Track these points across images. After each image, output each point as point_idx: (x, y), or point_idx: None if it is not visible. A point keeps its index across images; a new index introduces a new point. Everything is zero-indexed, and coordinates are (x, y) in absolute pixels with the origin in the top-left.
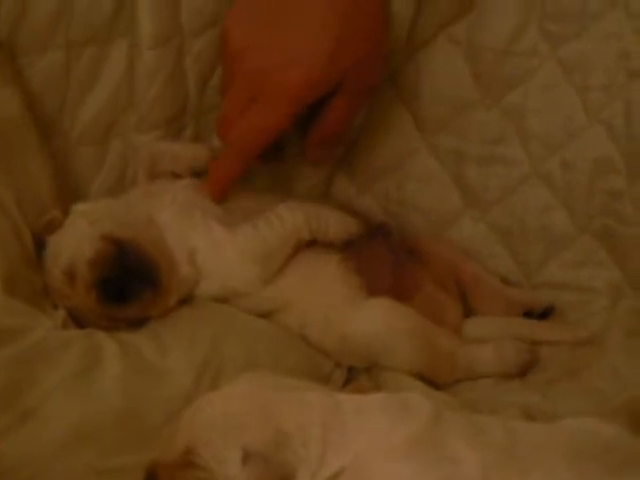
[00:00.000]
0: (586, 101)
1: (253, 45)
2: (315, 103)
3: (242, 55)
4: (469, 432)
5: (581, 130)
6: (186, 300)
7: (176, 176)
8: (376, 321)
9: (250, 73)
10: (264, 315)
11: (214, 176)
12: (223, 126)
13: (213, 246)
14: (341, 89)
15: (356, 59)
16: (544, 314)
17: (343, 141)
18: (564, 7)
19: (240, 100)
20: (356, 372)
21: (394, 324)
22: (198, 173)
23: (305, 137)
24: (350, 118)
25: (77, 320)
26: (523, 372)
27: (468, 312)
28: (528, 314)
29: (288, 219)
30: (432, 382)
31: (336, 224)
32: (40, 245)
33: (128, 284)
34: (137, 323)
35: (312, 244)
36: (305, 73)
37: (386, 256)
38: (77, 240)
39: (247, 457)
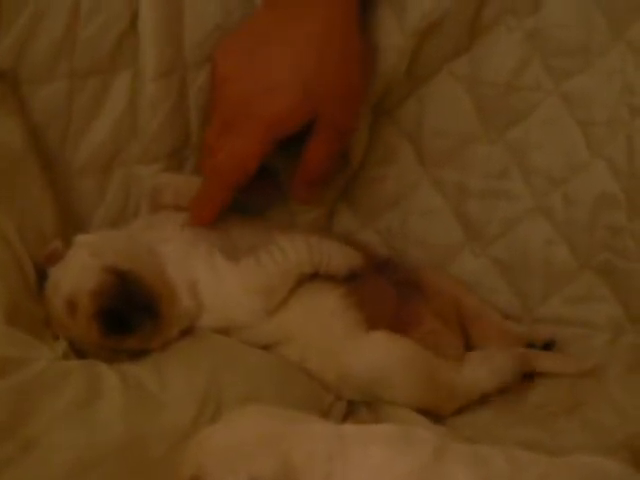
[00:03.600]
0: (589, 136)
1: (234, 74)
2: (298, 140)
3: (223, 83)
4: (472, 463)
5: (583, 165)
6: (187, 331)
7: (179, 208)
8: (375, 353)
9: (227, 101)
10: (265, 347)
11: (195, 208)
12: (203, 154)
13: (215, 278)
14: (317, 128)
15: (327, 98)
16: (545, 348)
17: (329, 182)
18: (568, 42)
19: (218, 127)
20: (356, 406)
21: (393, 357)
22: None
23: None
24: (330, 158)
25: (78, 351)
26: (519, 379)
27: (469, 346)
28: (529, 348)
29: (291, 253)
30: (434, 416)
31: (338, 258)
32: (42, 276)
33: (129, 315)
34: (138, 354)
35: (315, 277)
36: (274, 106)
37: (389, 290)
38: (79, 271)
39: None
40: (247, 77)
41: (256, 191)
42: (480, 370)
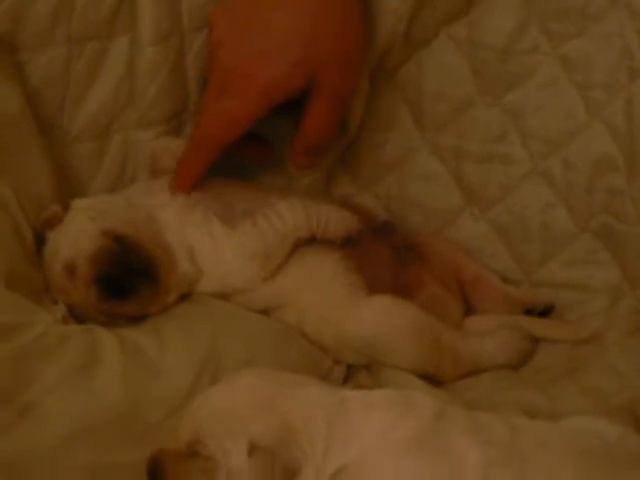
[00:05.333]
0: (587, 100)
1: (229, 38)
2: (297, 107)
3: (219, 47)
4: (472, 429)
5: (582, 128)
6: (186, 296)
7: None
8: (378, 318)
9: (223, 64)
10: (263, 312)
11: (180, 168)
12: (201, 116)
13: (213, 243)
14: (315, 95)
15: (325, 63)
16: (544, 312)
17: (328, 148)
18: (566, 6)
19: (214, 91)
20: (355, 369)
21: (397, 321)
22: None
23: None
24: (330, 125)
25: (77, 315)
26: (524, 360)
27: (468, 310)
28: (528, 312)
29: (288, 217)
30: (434, 379)
31: (336, 222)
32: (40, 241)
33: (128, 280)
34: (137, 319)
35: (312, 241)
36: (270, 70)
37: (388, 254)
38: (77, 236)
39: (253, 449)
40: (243, 41)
41: (253, 157)
42: (487, 344)
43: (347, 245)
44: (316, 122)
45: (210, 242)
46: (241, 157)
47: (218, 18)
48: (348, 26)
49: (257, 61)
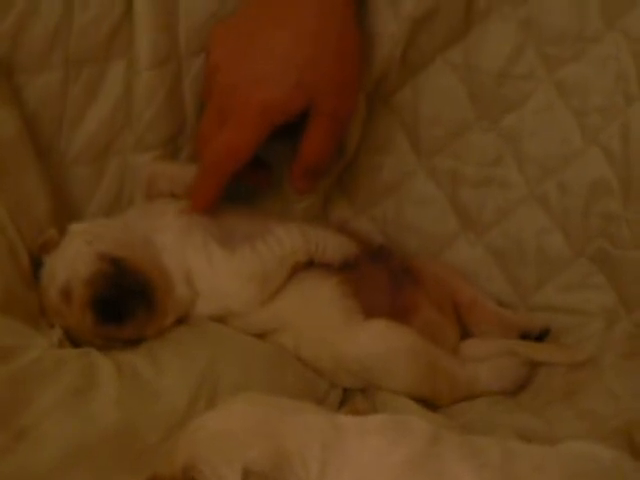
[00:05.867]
0: (583, 124)
1: (226, 62)
2: (295, 130)
3: (216, 70)
4: (467, 453)
5: (577, 153)
6: (183, 319)
7: (174, 196)
8: (375, 342)
9: (220, 88)
10: (260, 335)
11: (192, 196)
12: (199, 142)
13: (211, 266)
14: (314, 117)
15: (324, 84)
16: (540, 336)
17: (327, 171)
18: (562, 30)
19: (213, 116)
20: (351, 393)
21: (394, 345)
22: None
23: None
24: (329, 148)
25: (73, 339)
26: (519, 388)
27: (464, 334)
28: (524, 336)
29: (286, 241)
30: (430, 403)
31: (333, 246)
32: (37, 264)
33: (124, 304)
34: (133, 342)
35: (310, 265)
36: (269, 92)
37: (384, 278)
38: (73, 259)
39: (247, 475)
40: (240, 64)
41: (252, 180)
42: (484, 370)
43: (344, 269)
44: (315, 145)
45: (208, 265)
46: (241, 181)
47: (215, 41)
48: (346, 48)
49: (254, 85)
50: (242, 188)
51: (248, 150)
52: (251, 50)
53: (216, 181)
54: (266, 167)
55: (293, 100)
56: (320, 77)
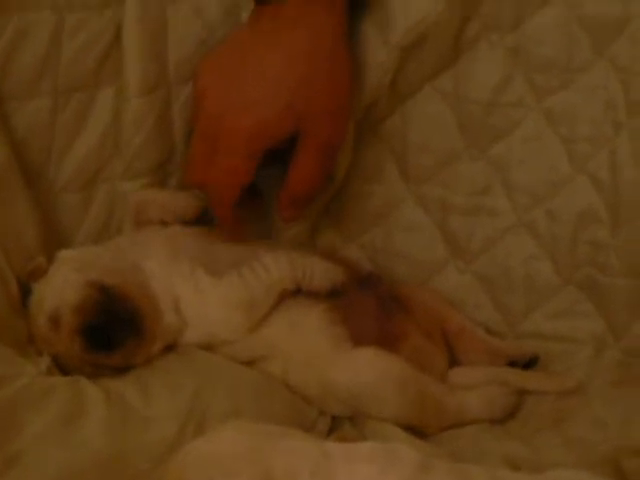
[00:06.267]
0: (571, 152)
1: (216, 88)
2: (282, 158)
3: (203, 98)
4: None
5: (566, 181)
6: (171, 347)
7: (163, 223)
8: (363, 371)
9: (207, 116)
10: (248, 363)
11: (219, 226)
12: (187, 170)
13: (198, 294)
14: (303, 143)
15: (316, 107)
16: (528, 364)
17: (315, 200)
18: (550, 58)
19: (201, 144)
20: (340, 421)
21: (382, 373)
22: (185, 221)
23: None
24: (319, 175)
25: (62, 366)
26: (509, 415)
27: (452, 361)
28: (512, 364)
29: (273, 269)
30: (419, 432)
31: (321, 273)
32: (25, 291)
33: (113, 331)
34: (122, 370)
35: (298, 292)
36: (257, 117)
37: (372, 305)
38: (62, 286)
39: None
40: (229, 91)
41: (245, 208)
42: (472, 398)
43: (332, 297)
44: (303, 173)
45: (196, 293)
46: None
47: (204, 69)
48: (339, 70)
49: (243, 111)
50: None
51: (247, 174)
52: (242, 74)
53: (227, 210)
54: (258, 193)
55: (283, 122)
56: (312, 99)
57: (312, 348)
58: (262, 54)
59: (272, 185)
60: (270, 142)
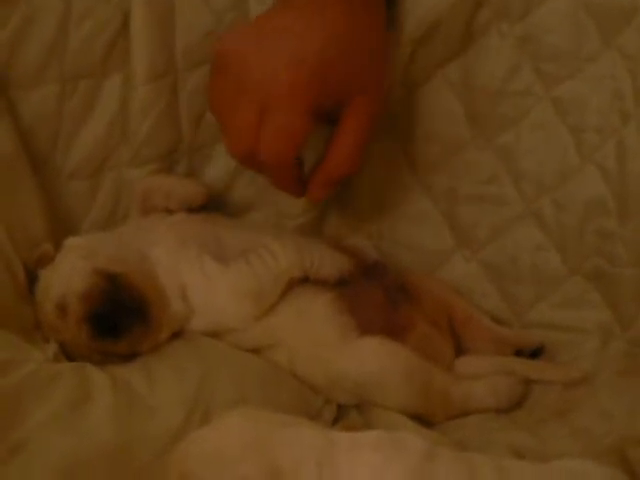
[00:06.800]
0: (579, 142)
1: (254, 55)
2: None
3: (242, 68)
4: (461, 470)
5: (573, 171)
6: (177, 335)
7: (169, 211)
8: (369, 360)
9: (255, 81)
10: (255, 351)
11: (288, 193)
12: (233, 142)
13: (205, 282)
14: (347, 118)
15: (362, 79)
16: (534, 354)
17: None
18: (559, 48)
19: (245, 112)
20: (346, 409)
21: (388, 363)
22: (191, 208)
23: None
24: (360, 155)
25: (68, 353)
26: (515, 405)
27: (458, 350)
28: (518, 353)
29: (281, 257)
30: (425, 420)
31: (329, 262)
32: (32, 279)
33: (119, 319)
34: (128, 357)
35: (305, 281)
36: (310, 70)
37: (379, 295)
38: (69, 274)
39: None
40: (274, 52)
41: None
42: (478, 388)
43: (339, 285)
44: (345, 151)
45: (203, 280)
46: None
47: (231, 42)
48: (376, 47)
49: (295, 64)
50: (237, 203)
51: (303, 133)
52: (285, 35)
53: (284, 171)
54: (301, 163)
55: (334, 74)
56: (355, 71)
57: (319, 337)
58: (296, 29)
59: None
60: (326, 95)
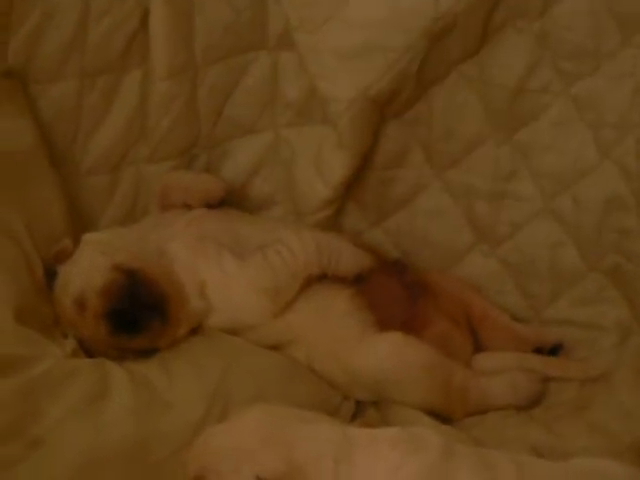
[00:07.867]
0: (598, 139)
1: None
2: None
3: None
4: (480, 467)
5: (592, 168)
6: (196, 331)
7: (188, 207)
8: (388, 356)
9: None
10: (273, 347)
11: None
12: None
13: (223, 278)
14: None
15: None
16: (553, 351)
17: None
18: (578, 45)
19: None
20: (364, 405)
21: (407, 359)
22: (209, 204)
23: None
24: None
25: (87, 349)
26: (533, 402)
27: (477, 347)
28: (537, 350)
29: (299, 253)
30: (443, 417)
31: (347, 259)
32: (51, 274)
33: (138, 315)
34: (146, 353)
35: (323, 278)
36: None
37: (398, 291)
38: (88, 269)
39: None
40: None
41: None
42: (497, 385)
43: (358, 282)
44: None
45: (221, 276)
46: None
47: None
48: None
49: None
50: (256, 197)
51: None
52: None
53: None
54: None
55: None
56: None
57: (338, 333)
58: None
59: None
60: None
